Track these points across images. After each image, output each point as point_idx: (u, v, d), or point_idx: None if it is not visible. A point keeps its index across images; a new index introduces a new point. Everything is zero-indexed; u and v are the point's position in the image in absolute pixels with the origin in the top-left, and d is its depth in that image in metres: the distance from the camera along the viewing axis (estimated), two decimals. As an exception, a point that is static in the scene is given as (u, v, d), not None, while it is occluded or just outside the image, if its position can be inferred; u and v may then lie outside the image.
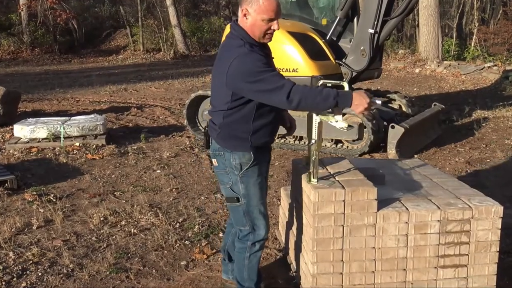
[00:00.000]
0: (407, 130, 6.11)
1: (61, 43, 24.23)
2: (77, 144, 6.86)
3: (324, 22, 7.39)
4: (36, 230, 4.18)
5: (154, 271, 3.52)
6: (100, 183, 5.45)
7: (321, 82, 2.66)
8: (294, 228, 3.32)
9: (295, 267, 3.31)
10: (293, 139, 6.85)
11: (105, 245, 3.91)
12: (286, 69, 6.50)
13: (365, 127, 6.30)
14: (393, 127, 6.10)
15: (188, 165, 6.11)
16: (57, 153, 6.56)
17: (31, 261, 3.63)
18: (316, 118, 2.71)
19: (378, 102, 2.64)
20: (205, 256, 3.69)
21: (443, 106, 7.71)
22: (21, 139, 6.97)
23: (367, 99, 2.47)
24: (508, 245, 3.76)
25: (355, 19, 7.11)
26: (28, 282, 3.36)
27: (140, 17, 24.27)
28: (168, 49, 23.31)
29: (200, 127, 7.57)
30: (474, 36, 19.19)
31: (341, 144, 6.61)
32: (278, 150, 6.63)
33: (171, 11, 22.65)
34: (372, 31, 6.55)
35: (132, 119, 9.15)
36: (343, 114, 2.62)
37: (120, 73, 17.05)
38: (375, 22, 6.51)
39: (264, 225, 2.84)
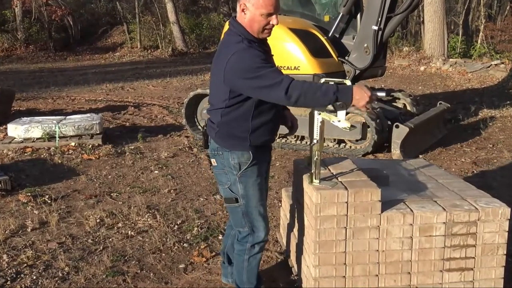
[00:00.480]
0: (412, 130, 6.11)
1: (56, 40, 24.26)
2: (73, 144, 6.86)
3: (326, 18, 7.38)
4: (31, 232, 4.18)
5: (151, 274, 3.52)
6: (96, 184, 5.45)
7: (323, 80, 2.65)
8: (295, 230, 3.32)
9: (296, 270, 3.31)
10: (295, 139, 6.85)
11: (101, 247, 3.91)
12: (287, 67, 6.49)
13: (368, 127, 6.30)
14: (397, 126, 6.10)
15: (186, 166, 6.11)
16: (52, 153, 6.56)
17: (25, 264, 3.63)
18: (318, 118, 2.72)
19: (381, 94, 2.64)
20: (204, 259, 3.69)
21: (449, 105, 7.71)
22: (15, 139, 6.97)
23: (368, 93, 2.48)
24: (516, 248, 3.76)
25: (358, 16, 7.11)
26: (23, 285, 3.36)
27: (137, 14, 24.28)
28: (166, 46, 23.32)
29: (199, 127, 7.58)
30: (481, 33, 19.17)
31: (344, 144, 6.61)
32: (279, 150, 6.64)
33: (169, 7, 22.64)
34: (375, 28, 6.55)
35: (129, 118, 9.16)
36: (347, 113, 2.62)
37: (117, 71, 17.06)
38: (379, 19, 6.51)
39: (264, 227, 2.84)
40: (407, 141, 6.11)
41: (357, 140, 6.49)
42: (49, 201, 4.84)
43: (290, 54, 6.57)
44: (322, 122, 2.72)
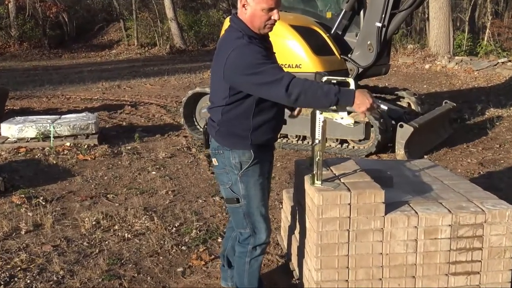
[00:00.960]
0: (417, 130, 6.11)
1: (51, 37, 24.27)
2: (68, 144, 6.86)
3: (328, 15, 7.38)
4: (25, 235, 4.19)
5: (149, 278, 3.52)
6: (92, 185, 5.45)
7: (325, 78, 2.65)
8: (297, 233, 3.32)
9: (298, 274, 3.31)
10: (296, 138, 6.86)
11: (97, 250, 3.91)
12: (289, 65, 6.50)
13: (372, 126, 6.30)
14: (401, 126, 6.10)
15: (185, 166, 6.11)
16: (47, 154, 6.56)
17: (19, 268, 3.63)
18: (320, 117, 2.72)
19: (384, 107, 2.64)
20: (203, 263, 3.70)
21: (455, 104, 7.70)
22: (9, 139, 6.97)
23: (370, 99, 2.48)
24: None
25: (362, 12, 7.10)
26: (16, 289, 3.36)
27: (134, 10, 24.31)
28: (164, 43, 23.34)
29: (198, 126, 7.58)
30: (487, 30, 19.17)
31: (346, 144, 6.60)
32: (280, 151, 6.64)
33: (167, 3, 22.65)
34: (379, 24, 6.54)
35: (125, 117, 9.16)
36: (349, 112, 2.62)
37: (113, 69, 17.07)
38: (383, 15, 6.51)
39: (266, 228, 2.84)
40: (411, 141, 6.11)
41: (360, 140, 6.48)
42: (43, 203, 4.84)
43: (291, 52, 6.57)
44: (324, 121, 2.72)
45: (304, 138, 6.80)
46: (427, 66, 15.23)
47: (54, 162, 6.26)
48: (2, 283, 3.42)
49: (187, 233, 4.18)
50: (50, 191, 5.25)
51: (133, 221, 4.42)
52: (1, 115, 8.44)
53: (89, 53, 22.71)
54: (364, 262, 2.83)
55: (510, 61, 13.86)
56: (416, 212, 2.82)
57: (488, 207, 2.88)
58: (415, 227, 2.81)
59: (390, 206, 2.83)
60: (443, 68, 14.80)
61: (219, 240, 4.03)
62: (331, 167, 3.13)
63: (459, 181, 3.39)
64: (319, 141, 2.75)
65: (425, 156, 6.23)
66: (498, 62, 13.84)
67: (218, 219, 4.49)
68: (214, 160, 2.82)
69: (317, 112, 2.72)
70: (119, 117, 9.16)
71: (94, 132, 7.17)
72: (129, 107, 10.04)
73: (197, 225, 4.33)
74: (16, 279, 3.49)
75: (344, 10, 7.13)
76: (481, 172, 5.75)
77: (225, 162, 2.75)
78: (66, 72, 16.32)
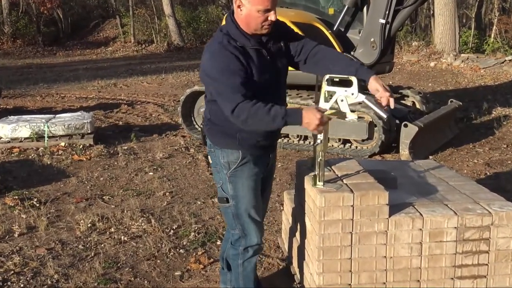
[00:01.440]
0: (421, 129, 6.11)
1: (45, 34, 24.26)
2: (63, 144, 6.86)
3: (331, 11, 7.38)
4: (18, 238, 4.19)
5: (146, 282, 3.52)
6: (88, 187, 5.46)
7: (327, 76, 2.65)
8: (298, 235, 3.32)
9: (299, 278, 3.31)
10: (297, 138, 6.85)
11: (92, 253, 3.91)
12: (290, 63, 6.49)
13: (375, 126, 6.30)
14: (406, 125, 6.10)
15: (183, 167, 6.12)
16: (41, 154, 6.56)
17: (12, 271, 3.63)
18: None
19: (383, 115, 2.65)
20: (201, 266, 3.70)
21: (460, 103, 7.71)
22: (2, 139, 6.97)
23: (318, 115, 2.49)
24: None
25: (365, 9, 7.10)
26: (9, 294, 3.36)
27: (131, 6, 24.29)
28: (161, 40, 23.33)
29: (196, 126, 7.57)
30: (494, 26, 19.18)
31: (349, 144, 6.61)
32: (281, 151, 6.63)
33: (165, -1, 22.66)
34: (383, 21, 6.54)
35: (122, 117, 9.16)
36: (353, 111, 2.63)
37: (109, 66, 17.07)
38: (387, 12, 6.50)
39: (256, 232, 2.84)
40: (416, 141, 6.12)
41: (363, 140, 6.48)
42: (37, 205, 4.84)
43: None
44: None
45: (306, 138, 6.79)
46: (432, 64, 15.23)
47: (49, 162, 6.26)
48: (-5, 287, 3.43)
49: (185, 236, 4.19)
50: (44, 193, 5.25)
51: (130, 223, 4.43)
52: (-6, 115, 8.44)
53: (85, 51, 22.70)
54: (367, 265, 2.83)
55: (517, 59, 13.87)
56: (421, 214, 2.82)
57: (495, 209, 2.88)
58: (420, 229, 2.81)
59: (394, 208, 2.84)
60: (448, 66, 14.81)
61: (218, 243, 4.04)
62: (333, 168, 3.13)
63: (465, 182, 3.39)
64: (321, 141, 2.75)
65: (430, 157, 6.24)
66: (506, 60, 13.84)
67: (217, 221, 4.49)
68: (209, 158, 2.90)
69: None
70: (115, 117, 9.16)
71: (89, 131, 7.17)
72: (126, 106, 10.03)
73: (196, 228, 4.33)
74: (9, 283, 3.49)
75: (346, 6, 7.11)
76: (488, 173, 5.75)
77: (216, 161, 2.81)
78: (60, 70, 16.32)
